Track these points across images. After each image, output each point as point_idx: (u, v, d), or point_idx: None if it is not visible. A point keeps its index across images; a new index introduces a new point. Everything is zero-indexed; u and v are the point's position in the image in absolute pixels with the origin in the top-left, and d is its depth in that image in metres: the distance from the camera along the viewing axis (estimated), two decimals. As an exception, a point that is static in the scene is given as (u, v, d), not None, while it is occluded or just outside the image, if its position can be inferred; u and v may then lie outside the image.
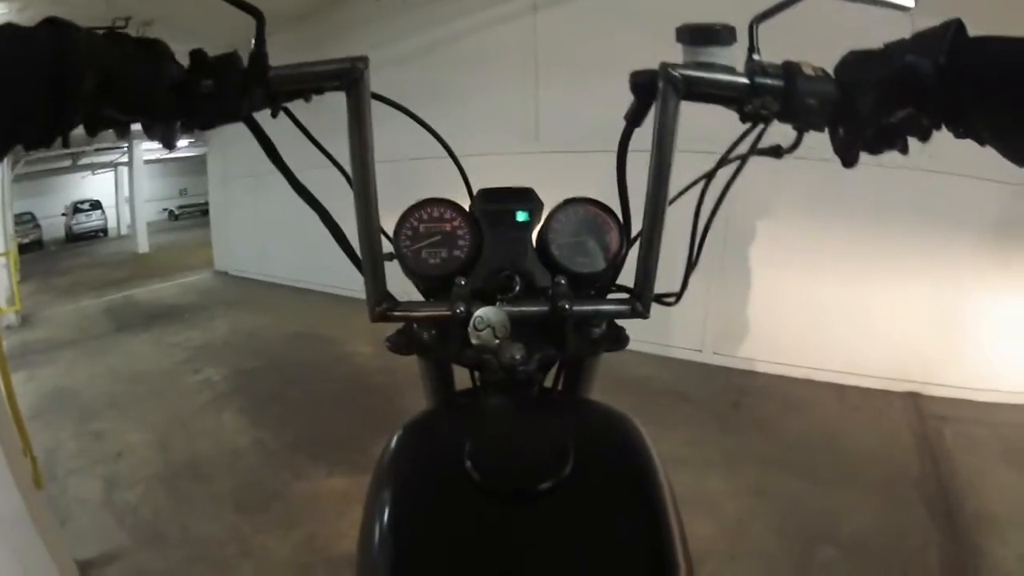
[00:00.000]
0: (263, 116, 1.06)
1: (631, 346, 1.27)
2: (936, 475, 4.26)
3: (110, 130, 0.89)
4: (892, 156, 1.02)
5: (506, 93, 7.93)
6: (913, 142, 0.98)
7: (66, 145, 0.85)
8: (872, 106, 0.93)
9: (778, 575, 3.48)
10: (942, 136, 0.92)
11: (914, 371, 5.53)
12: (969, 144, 0.88)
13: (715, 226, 1.21)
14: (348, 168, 1.10)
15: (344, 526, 4.03)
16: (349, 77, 1.00)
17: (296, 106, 1.09)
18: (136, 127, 0.93)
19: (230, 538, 4.06)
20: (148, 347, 9.09)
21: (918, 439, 4.77)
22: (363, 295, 1.12)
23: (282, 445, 5.40)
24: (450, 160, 1.47)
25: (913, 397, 5.40)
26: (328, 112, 1.26)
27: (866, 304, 5.74)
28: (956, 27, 0.84)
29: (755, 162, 1.18)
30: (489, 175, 1.37)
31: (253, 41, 0.98)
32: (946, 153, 4.83)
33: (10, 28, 0.73)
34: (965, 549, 3.57)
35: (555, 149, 7.15)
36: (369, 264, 1.12)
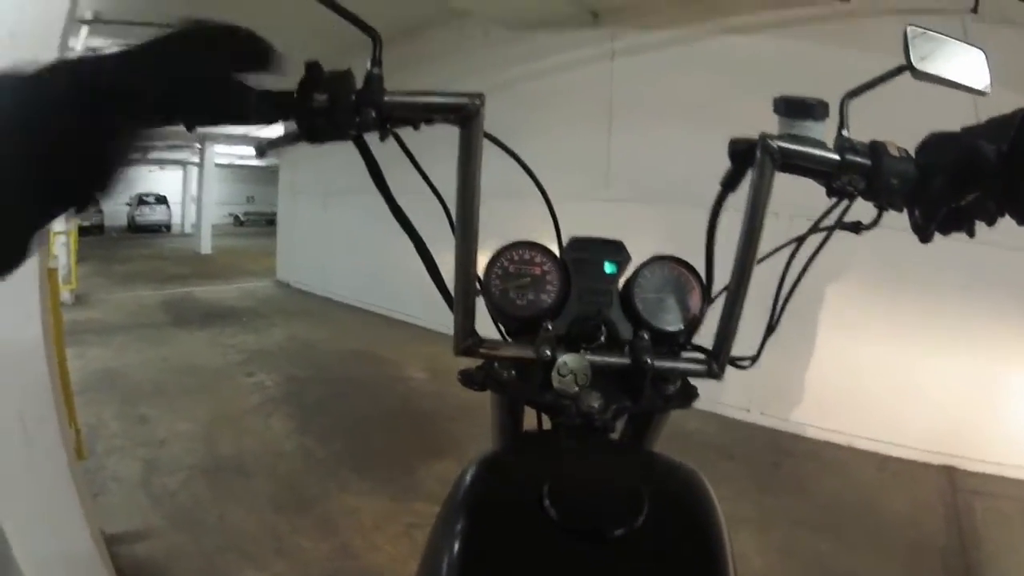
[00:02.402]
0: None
1: None
2: (961, 547, 4.25)
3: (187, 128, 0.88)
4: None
5: (578, 138, 7.97)
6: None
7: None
8: (943, 189, 0.96)
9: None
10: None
11: (952, 444, 5.49)
12: None
13: (771, 289, 1.24)
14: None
15: (380, 540, 4.04)
16: (464, 112, 1.01)
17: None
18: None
19: (266, 535, 4.09)
20: (203, 344, 9.18)
21: (948, 510, 4.74)
22: (423, 322, 1.15)
23: (328, 455, 5.42)
24: (527, 200, 1.47)
25: (949, 470, 5.37)
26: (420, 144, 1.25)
27: (911, 374, 5.71)
28: (1023, 116, 0.86)
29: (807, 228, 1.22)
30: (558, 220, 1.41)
31: (370, 61, 0.99)
32: (1000, 226, 4.85)
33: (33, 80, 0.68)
34: None
35: (624, 198, 7.14)
36: (461, 299, 1.13)
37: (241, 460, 5.24)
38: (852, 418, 5.94)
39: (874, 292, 5.87)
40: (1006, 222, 0.95)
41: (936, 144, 0.99)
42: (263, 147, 1.06)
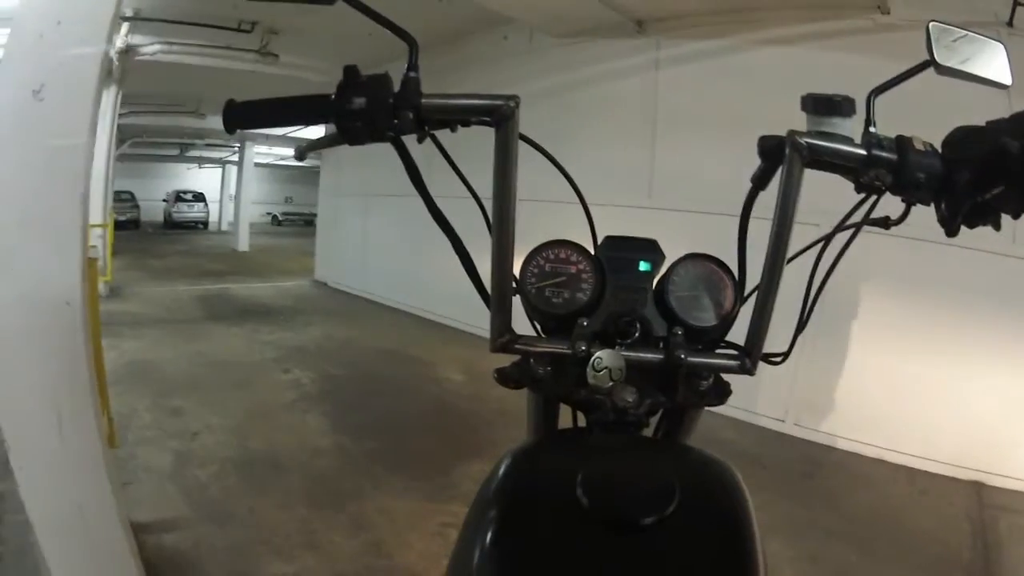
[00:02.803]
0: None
1: (718, 408, 1.29)
2: (985, 561, 4.27)
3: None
4: (982, 241, 1.05)
5: (622, 147, 7.98)
6: (1007, 226, 1.01)
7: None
8: (969, 183, 0.98)
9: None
10: None
11: (982, 460, 5.47)
12: None
13: (803, 287, 1.24)
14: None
15: (413, 538, 4.04)
16: (500, 114, 1.03)
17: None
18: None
19: (297, 529, 4.10)
20: (239, 340, 9.25)
21: (974, 526, 4.75)
22: (460, 324, 1.15)
23: (362, 453, 5.43)
24: (566, 203, 1.50)
25: (977, 486, 5.36)
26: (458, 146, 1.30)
27: (944, 389, 5.69)
28: None
29: (847, 238, 1.22)
30: (598, 227, 1.43)
31: (407, 65, 1.03)
32: None
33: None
34: None
35: (665, 207, 7.14)
36: (498, 296, 1.16)
37: (274, 455, 5.25)
38: (884, 431, 5.93)
39: (909, 306, 5.86)
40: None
41: (961, 139, 1.02)
42: (303, 149, 1.09)
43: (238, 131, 1.05)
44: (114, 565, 3.02)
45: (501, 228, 1.11)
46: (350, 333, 10.13)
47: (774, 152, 1.11)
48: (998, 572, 4.15)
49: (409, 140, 1.10)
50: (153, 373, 7.16)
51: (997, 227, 1.02)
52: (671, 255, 1.29)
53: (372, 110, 0.98)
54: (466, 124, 1.08)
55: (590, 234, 1.43)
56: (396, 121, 1.01)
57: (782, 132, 1.08)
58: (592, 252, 1.29)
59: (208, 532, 3.99)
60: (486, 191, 1.15)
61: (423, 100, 1.02)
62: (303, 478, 4.88)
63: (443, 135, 1.15)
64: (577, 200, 1.46)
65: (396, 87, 1.04)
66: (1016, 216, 0.97)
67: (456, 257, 1.27)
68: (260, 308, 11.74)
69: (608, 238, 1.32)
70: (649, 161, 7.72)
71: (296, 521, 4.20)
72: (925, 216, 1.10)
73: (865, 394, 6.12)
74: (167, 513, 4.14)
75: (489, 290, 1.19)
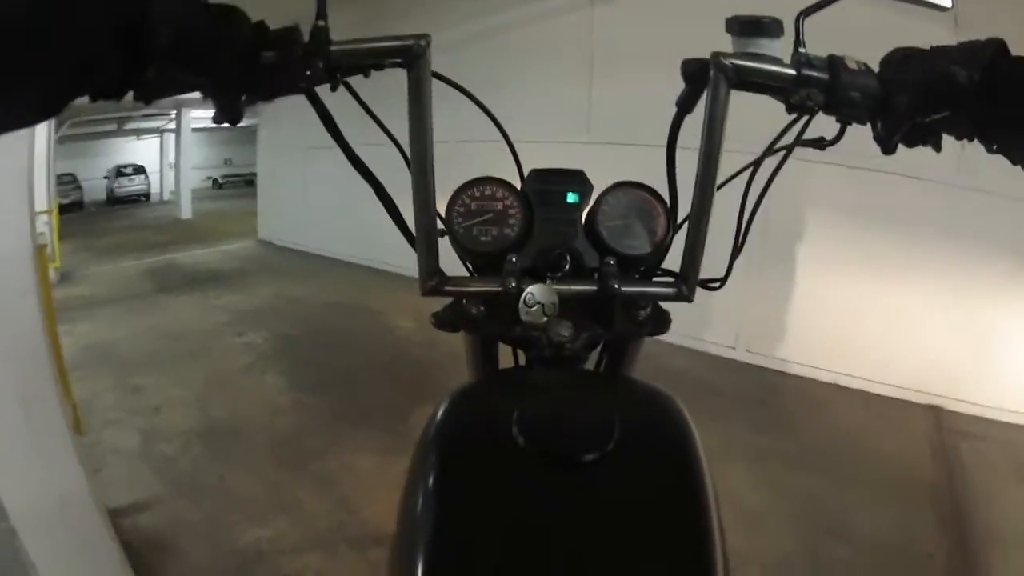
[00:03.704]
0: (324, 92, 1.09)
1: (668, 338, 1.30)
2: (949, 486, 4.30)
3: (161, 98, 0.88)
4: (928, 170, 1.06)
5: (560, 84, 7.96)
6: (950, 155, 1.05)
7: (141, 99, 0.84)
8: (910, 105, 0.97)
9: (792, 565, 3.54)
10: (978, 155, 0.96)
11: (938, 385, 5.53)
12: (1006, 164, 0.92)
13: (754, 226, 1.26)
14: (405, 145, 1.14)
15: (378, 488, 4.11)
16: (411, 54, 1.03)
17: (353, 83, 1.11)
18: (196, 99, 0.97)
19: (267, 493, 4.16)
20: (190, 308, 9.19)
21: (935, 450, 4.80)
22: (408, 271, 1.17)
23: (321, 408, 5.50)
24: (499, 143, 1.46)
25: (935, 410, 5.41)
26: (382, 90, 1.30)
27: (897, 314, 5.74)
28: (997, 46, 0.90)
29: (797, 166, 1.23)
30: (538, 163, 1.37)
31: (315, 15, 1.01)
32: (983, 171, 4.81)
33: None
34: (971, 562, 3.61)
35: (606, 141, 7.14)
36: (423, 239, 1.15)
37: (236, 420, 5.31)
38: (837, 356, 6.01)
39: (856, 234, 5.91)
40: (979, 162, 0.98)
41: (902, 60, 1.01)
42: (234, 116, 1.08)
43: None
44: (94, 553, 3.04)
45: (421, 170, 1.10)
46: (299, 290, 10.11)
47: (699, 75, 1.09)
48: (965, 497, 4.19)
49: (325, 91, 1.08)
50: (110, 354, 7.11)
51: (938, 148, 1.01)
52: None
53: (282, 64, 0.96)
54: (379, 68, 1.06)
55: (516, 169, 1.42)
56: (308, 72, 0.99)
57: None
58: (519, 188, 1.29)
59: (182, 507, 4.04)
60: (403, 134, 1.12)
61: (333, 48, 1.00)
62: (267, 440, 4.94)
63: (359, 83, 1.12)
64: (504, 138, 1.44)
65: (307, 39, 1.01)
66: (959, 139, 0.97)
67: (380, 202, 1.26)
68: (208, 274, 11.62)
69: (534, 171, 1.31)
70: (587, 98, 7.73)
71: (266, 485, 4.26)
72: (871, 146, 1.06)
73: (816, 320, 6.21)
74: (140, 494, 4.17)
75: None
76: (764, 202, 1.24)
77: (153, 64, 0.80)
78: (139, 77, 0.80)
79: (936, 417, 5.32)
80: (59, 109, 0.73)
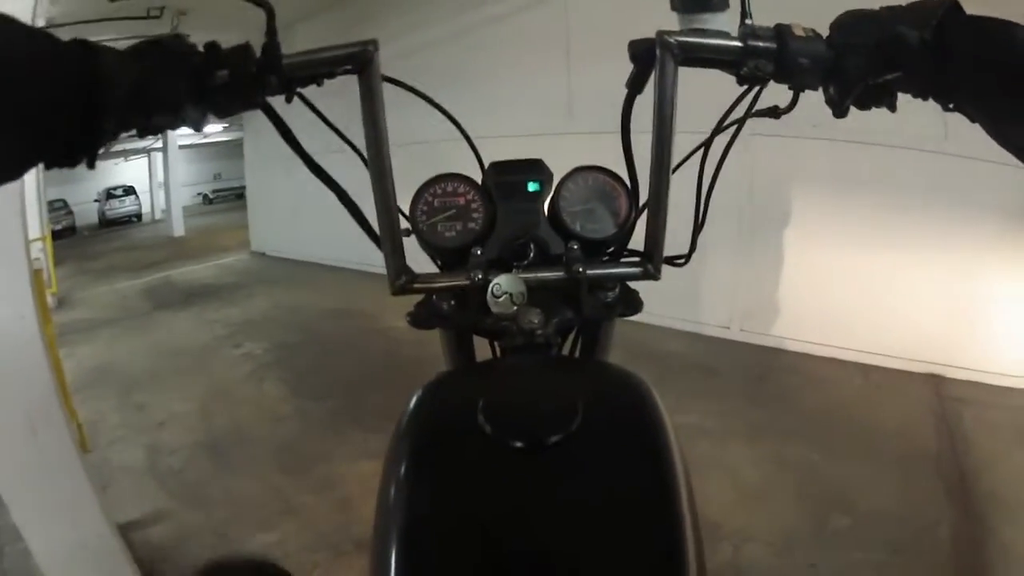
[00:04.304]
0: (282, 104, 1.10)
1: (661, 321, 1.33)
2: (953, 454, 4.28)
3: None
4: (919, 142, 1.06)
5: (539, 75, 7.95)
6: (938, 122, 1.05)
7: (91, 166, 0.85)
8: (860, 68, 0.98)
9: (795, 540, 3.54)
10: (961, 120, 0.95)
11: (936, 353, 5.52)
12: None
13: (738, 204, 1.29)
14: (363, 149, 1.16)
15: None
16: (360, 60, 1.05)
17: (314, 94, 1.13)
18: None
19: (272, 499, 4.20)
20: (188, 324, 9.21)
21: (937, 419, 4.77)
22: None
23: (321, 413, 5.54)
24: (463, 142, 1.47)
25: (934, 379, 5.39)
26: (345, 99, 1.32)
27: (891, 285, 5.73)
28: (949, 4, 0.89)
29: (780, 143, 1.25)
30: (522, 155, 1.38)
31: (265, 31, 1.02)
32: (966, 136, 4.85)
33: (45, 39, 0.74)
34: (977, 528, 3.60)
35: (588, 130, 7.00)
36: (388, 240, 1.16)
37: (239, 430, 5.35)
38: (832, 330, 6.02)
39: (847, 206, 5.89)
40: (961, 126, 0.99)
41: (852, 24, 1.00)
42: (196, 126, 1.09)
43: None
44: (106, 567, 3.09)
45: (379, 172, 1.12)
46: (294, 298, 10.19)
47: (645, 55, 1.10)
48: (968, 464, 4.17)
49: (280, 105, 1.10)
50: (112, 374, 7.13)
51: (892, 108, 1.02)
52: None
53: (236, 80, 0.97)
54: (331, 76, 1.08)
55: (478, 164, 1.43)
56: (261, 87, 1.01)
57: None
58: (479, 182, 1.30)
59: (190, 518, 4.09)
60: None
61: (285, 61, 1.02)
62: (270, 447, 4.98)
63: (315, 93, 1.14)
64: (462, 135, 1.45)
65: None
66: (922, 98, 0.97)
67: (343, 206, 1.28)
68: (203, 289, 11.63)
69: (493, 164, 1.32)
70: (566, 87, 7.73)
71: (270, 491, 4.30)
72: (856, 117, 1.08)
73: (809, 295, 6.21)
74: (149, 508, 4.20)
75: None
76: (748, 180, 1.27)
77: (108, 124, 0.82)
78: (94, 139, 0.82)
79: (936, 386, 5.30)
80: (14, 178, 0.75)
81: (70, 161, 0.82)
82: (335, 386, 6.18)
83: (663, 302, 1.15)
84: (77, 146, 0.80)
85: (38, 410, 2.73)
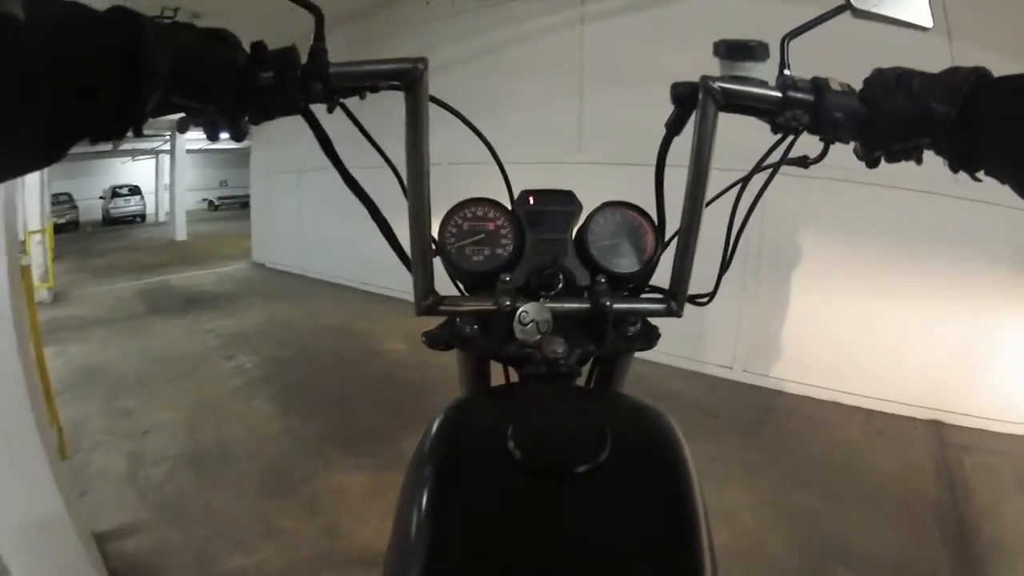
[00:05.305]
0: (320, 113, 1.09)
1: (663, 359, 1.30)
2: (953, 501, 4.26)
3: (161, 117, 0.90)
4: (926, 184, 1.04)
5: (551, 103, 7.98)
6: (940, 172, 1.03)
7: (139, 134, 0.83)
8: (891, 132, 0.99)
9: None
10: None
11: (938, 399, 5.51)
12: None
13: (748, 245, 1.25)
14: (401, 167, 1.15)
15: (367, 515, 4.06)
16: (408, 77, 1.03)
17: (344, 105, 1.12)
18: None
19: (253, 520, 4.10)
20: (182, 331, 9.17)
21: (937, 465, 4.77)
22: (398, 293, 1.14)
23: (310, 434, 5.45)
24: (488, 164, 1.49)
25: (936, 425, 5.40)
26: (376, 114, 1.30)
27: (895, 330, 5.73)
28: (977, 76, 0.89)
29: (788, 184, 1.22)
30: (531, 183, 1.38)
31: (313, 36, 1.02)
32: (962, 181, 4.84)
33: (81, 11, 0.71)
34: (976, 572, 3.58)
35: (597, 160, 7.11)
36: (419, 260, 1.16)
37: (224, 445, 5.26)
38: (834, 373, 5.99)
39: (853, 249, 5.89)
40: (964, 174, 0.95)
41: (883, 83, 1.02)
42: (237, 133, 1.06)
43: (167, 119, 1.00)
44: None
45: (416, 191, 1.11)
46: (291, 313, 10.13)
47: (688, 98, 1.11)
48: (968, 511, 4.15)
49: (322, 113, 1.10)
50: (101, 376, 7.08)
51: (919, 162, 1.02)
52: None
53: (281, 83, 0.97)
54: (375, 90, 1.08)
55: (507, 190, 1.44)
56: (305, 93, 1.01)
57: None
58: (509, 208, 1.30)
59: (168, 533, 3.99)
60: (399, 157, 1.14)
61: (331, 70, 1.01)
62: (254, 466, 4.89)
63: (354, 105, 1.15)
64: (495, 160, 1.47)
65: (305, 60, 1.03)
66: (952, 170, 0.98)
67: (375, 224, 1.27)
68: (201, 296, 11.64)
69: (524, 192, 1.32)
70: (578, 116, 7.73)
71: (252, 511, 4.20)
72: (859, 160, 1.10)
73: (812, 337, 6.19)
74: (126, 518, 4.12)
75: (410, 255, 1.19)
76: (757, 221, 1.24)
77: (153, 93, 0.79)
78: (139, 108, 0.78)
79: (938, 432, 5.31)
80: (61, 155, 0.71)
81: (117, 131, 0.79)
82: (326, 406, 6.12)
83: (666, 339, 1.11)
84: (122, 116, 0.78)
85: (8, 414, 2.68)
